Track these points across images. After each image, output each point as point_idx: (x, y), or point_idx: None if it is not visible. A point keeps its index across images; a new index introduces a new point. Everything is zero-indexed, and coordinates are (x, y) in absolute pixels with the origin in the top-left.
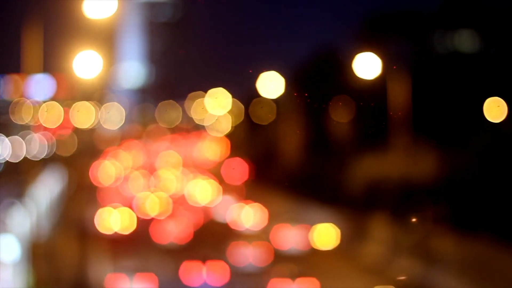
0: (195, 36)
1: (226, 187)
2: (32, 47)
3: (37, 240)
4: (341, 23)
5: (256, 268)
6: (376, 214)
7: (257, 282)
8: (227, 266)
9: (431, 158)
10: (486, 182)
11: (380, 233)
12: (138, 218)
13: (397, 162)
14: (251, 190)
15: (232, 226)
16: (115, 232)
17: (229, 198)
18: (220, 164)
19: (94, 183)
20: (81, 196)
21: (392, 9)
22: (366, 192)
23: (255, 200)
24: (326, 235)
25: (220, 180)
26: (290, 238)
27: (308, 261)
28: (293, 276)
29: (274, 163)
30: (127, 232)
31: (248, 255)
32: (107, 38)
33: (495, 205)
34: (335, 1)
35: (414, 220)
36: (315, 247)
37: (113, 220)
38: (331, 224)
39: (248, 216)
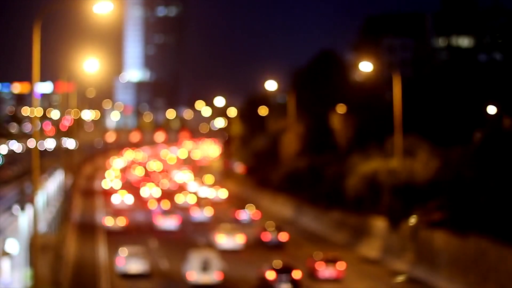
0: (197, 38)
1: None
2: (33, 53)
3: (37, 240)
4: (342, 24)
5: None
6: (376, 214)
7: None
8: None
9: (431, 158)
10: (486, 182)
11: (380, 233)
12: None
13: (398, 162)
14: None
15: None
16: (111, 187)
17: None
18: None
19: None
20: (81, 195)
21: (392, 11)
22: (366, 192)
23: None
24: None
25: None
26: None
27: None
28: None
29: (273, 163)
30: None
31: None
32: (109, 43)
33: (495, 205)
34: (336, 3)
35: (414, 220)
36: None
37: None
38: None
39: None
